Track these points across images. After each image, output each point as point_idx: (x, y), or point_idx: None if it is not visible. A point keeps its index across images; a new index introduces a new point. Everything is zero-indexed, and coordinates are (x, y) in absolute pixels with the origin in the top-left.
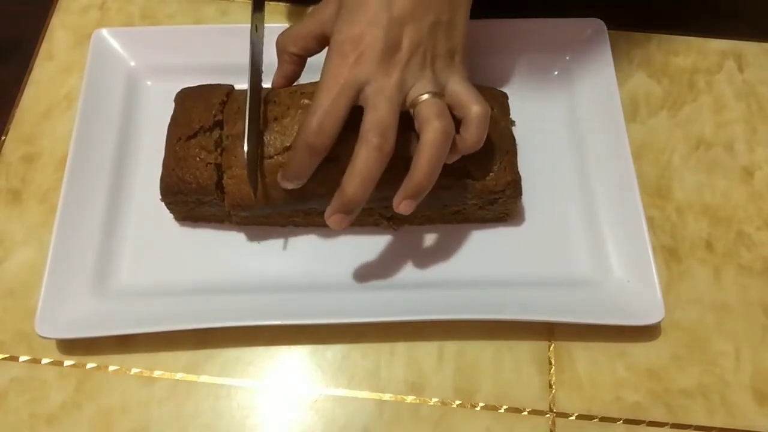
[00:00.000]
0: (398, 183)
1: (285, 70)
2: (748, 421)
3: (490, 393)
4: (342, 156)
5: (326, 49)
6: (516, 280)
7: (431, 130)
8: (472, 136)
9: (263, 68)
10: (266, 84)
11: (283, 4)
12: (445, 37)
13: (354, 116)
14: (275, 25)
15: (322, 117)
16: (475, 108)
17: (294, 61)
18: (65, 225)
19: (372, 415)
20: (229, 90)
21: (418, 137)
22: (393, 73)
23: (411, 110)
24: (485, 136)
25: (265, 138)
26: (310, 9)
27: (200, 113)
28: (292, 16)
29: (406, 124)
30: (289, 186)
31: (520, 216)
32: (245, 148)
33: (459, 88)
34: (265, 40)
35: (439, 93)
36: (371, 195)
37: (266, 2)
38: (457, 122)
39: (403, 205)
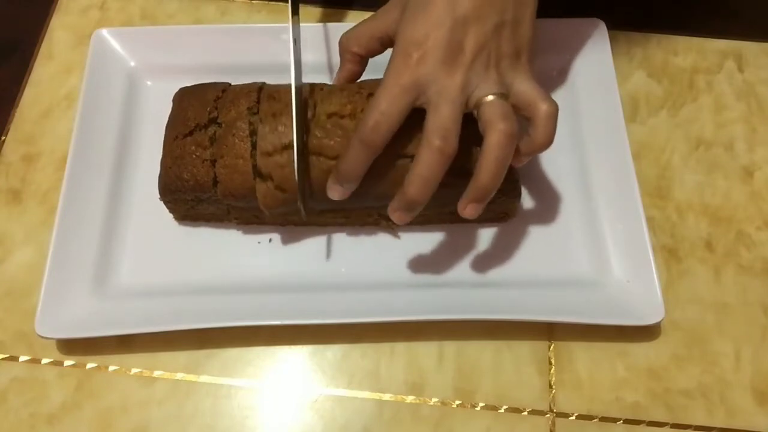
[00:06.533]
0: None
1: (347, 70)
2: (748, 421)
3: (490, 393)
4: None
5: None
6: (516, 280)
7: (495, 132)
8: (542, 136)
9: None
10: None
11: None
12: (510, 37)
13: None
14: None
15: (379, 116)
16: (543, 106)
17: (356, 61)
18: (65, 225)
19: (372, 415)
20: (225, 87)
21: (476, 140)
22: (456, 75)
23: (474, 112)
24: (555, 135)
25: (262, 133)
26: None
27: (196, 111)
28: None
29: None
30: (339, 191)
31: (520, 216)
32: (294, 163)
33: (525, 87)
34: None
35: (504, 94)
36: (374, 193)
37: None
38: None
39: (468, 208)
